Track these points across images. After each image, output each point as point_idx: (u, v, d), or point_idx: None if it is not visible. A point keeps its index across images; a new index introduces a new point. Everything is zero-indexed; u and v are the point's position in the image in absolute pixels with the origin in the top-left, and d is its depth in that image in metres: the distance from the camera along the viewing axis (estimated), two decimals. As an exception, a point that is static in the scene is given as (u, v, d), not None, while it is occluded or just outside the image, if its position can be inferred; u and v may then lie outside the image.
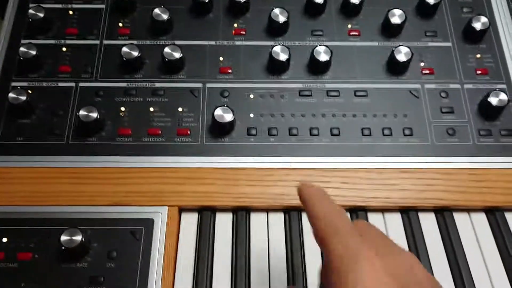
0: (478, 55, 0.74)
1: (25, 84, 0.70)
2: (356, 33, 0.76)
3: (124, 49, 0.70)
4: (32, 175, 0.64)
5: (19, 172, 0.64)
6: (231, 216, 0.65)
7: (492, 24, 0.76)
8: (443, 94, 0.71)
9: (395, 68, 0.72)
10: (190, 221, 0.64)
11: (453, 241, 0.62)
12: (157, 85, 0.71)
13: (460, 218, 0.65)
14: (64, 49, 0.73)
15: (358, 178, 0.66)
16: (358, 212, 0.65)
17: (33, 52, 0.69)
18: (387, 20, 0.74)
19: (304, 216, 0.65)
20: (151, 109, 0.69)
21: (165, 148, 0.67)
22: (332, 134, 0.68)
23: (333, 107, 0.70)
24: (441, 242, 0.63)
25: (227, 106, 0.67)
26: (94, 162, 0.65)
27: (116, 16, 0.75)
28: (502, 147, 0.68)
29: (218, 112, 0.66)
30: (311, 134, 0.68)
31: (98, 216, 0.62)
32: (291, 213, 0.65)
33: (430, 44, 0.75)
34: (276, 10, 0.73)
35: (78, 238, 0.57)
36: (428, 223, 0.64)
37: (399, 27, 0.74)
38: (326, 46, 0.71)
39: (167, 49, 0.70)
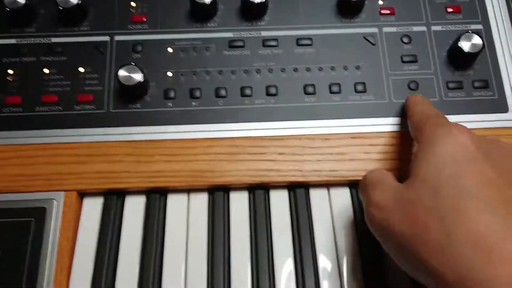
0: (450, -11, 0.61)
1: None
2: (301, -33, 0.61)
3: (8, -4, 0.56)
4: None
5: None
6: (144, 199, 0.53)
7: (468, -51, 0.62)
8: (405, 39, 0.58)
9: (347, 9, 0.59)
10: (92, 208, 0.53)
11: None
12: (54, 40, 0.58)
13: (421, 192, 0.53)
14: None
15: (299, 147, 0.54)
16: (296, 189, 0.53)
17: None
18: None
19: (232, 197, 0.53)
20: (46, 70, 0.56)
21: (62, 119, 0.55)
22: (268, 94, 0.56)
23: (270, 60, 0.57)
24: (397, 222, 0.52)
25: (134, 64, 0.54)
26: (-27, 140, 0.53)
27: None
28: (474, 102, 0.56)
29: (122, 72, 0.53)
30: (242, 95, 0.56)
31: (-23, 207, 0.50)
32: (216, 194, 0.53)
33: (391, -23, 0.61)
34: None
35: None
36: (383, 199, 0.53)
37: (352, -44, 0.60)
38: (259, -16, 0.57)
39: (61, -5, 0.56)
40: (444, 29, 0.59)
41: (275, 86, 0.56)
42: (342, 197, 0.53)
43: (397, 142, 0.54)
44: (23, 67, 0.56)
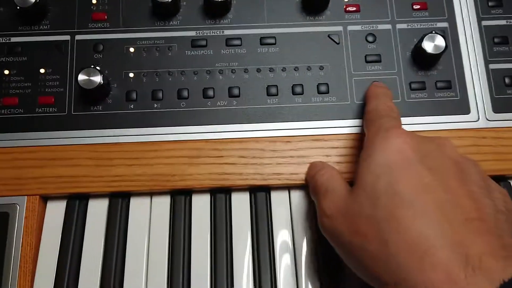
0: (417, -15, 0.59)
1: None
2: (266, -39, 0.60)
3: (-36, -5, 0.55)
4: None
5: None
6: (107, 203, 0.54)
7: None
8: (369, 38, 0.58)
9: (312, 6, 0.58)
10: (56, 212, 0.53)
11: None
12: (13, 40, 0.57)
13: (380, 194, 0.54)
14: None
15: (259, 150, 0.54)
16: (257, 192, 0.54)
17: None
18: None
19: (195, 199, 0.54)
20: (6, 71, 0.56)
21: (23, 122, 0.55)
22: (230, 96, 0.56)
23: (233, 60, 0.57)
24: (355, 224, 0.53)
25: (94, 66, 0.53)
26: None
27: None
28: (437, 103, 0.56)
29: (82, 76, 0.53)
30: (204, 97, 0.56)
31: None
32: (177, 197, 0.54)
33: (358, -28, 0.60)
34: None
35: None
36: (342, 201, 0.54)
37: (319, -49, 0.59)
38: (222, -19, 0.56)
39: (17, -6, 0.55)
40: (409, 27, 0.58)
41: (238, 87, 0.56)
42: (302, 201, 0.54)
43: (358, 144, 0.54)
44: (-18, 68, 0.56)
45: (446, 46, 0.54)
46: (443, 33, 0.57)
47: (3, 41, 0.57)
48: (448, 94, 0.56)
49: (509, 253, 0.35)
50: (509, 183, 0.55)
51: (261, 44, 0.57)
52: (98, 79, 0.53)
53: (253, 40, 0.58)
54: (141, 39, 0.57)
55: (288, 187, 0.55)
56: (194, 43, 0.57)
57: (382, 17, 0.59)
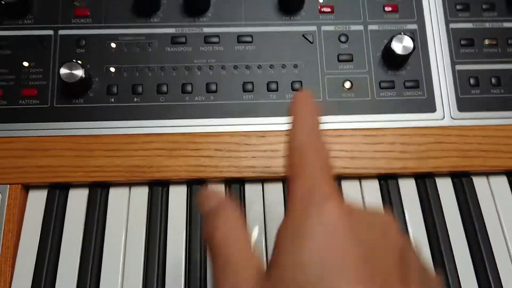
0: (389, -12, 0.62)
1: None
2: (245, -39, 0.62)
3: (-51, -11, 0.56)
4: None
5: None
6: (87, 192, 0.56)
7: None
8: (342, 38, 0.60)
9: (288, 6, 0.61)
10: (37, 201, 0.55)
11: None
12: (-2, 33, 0.59)
13: (348, 187, 0.57)
14: None
15: (235, 144, 0.57)
16: (232, 184, 0.56)
17: None
18: None
19: (172, 190, 0.56)
20: (-10, 64, 0.58)
21: (7, 114, 0.56)
22: (208, 91, 0.58)
23: (211, 57, 0.59)
24: (324, 216, 0.55)
25: (76, 60, 0.55)
26: None
27: None
28: (404, 102, 0.59)
29: (64, 70, 0.55)
30: (183, 92, 0.58)
31: None
32: (154, 188, 0.56)
33: (333, -26, 0.62)
34: None
35: None
36: (313, 194, 0.56)
37: (295, -47, 0.61)
38: (202, -20, 0.58)
39: (2, -11, 0.57)
40: (380, 28, 0.61)
41: (215, 83, 0.58)
42: (275, 193, 0.56)
43: (328, 140, 0.57)
44: (-33, 60, 0.58)
45: (414, 47, 0.57)
46: (412, 34, 0.60)
47: (-12, 34, 0.58)
48: (416, 93, 0.59)
49: None
50: (471, 179, 0.58)
51: (238, 42, 0.60)
52: (80, 73, 0.55)
53: (231, 38, 0.60)
54: (123, 35, 0.59)
55: (262, 180, 0.57)
56: (174, 39, 0.59)
57: (354, 18, 0.61)
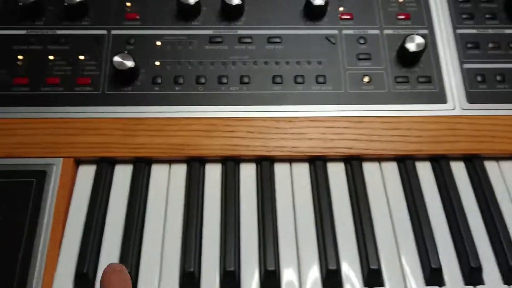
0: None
1: None
2: (274, -23, 0.71)
3: (21, -7, 0.66)
4: None
5: None
6: (131, 168, 0.62)
7: (418, -34, 0.72)
8: (361, 40, 0.68)
9: (311, 13, 0.69)
10: (87, 173, 0.61)
11: (358, 191, 0.60)
12: (59, 32, 0.67)
13: (369, 167, 0.62)
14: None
15: (265, 127, 0.63)
16: (262, 162, 0.62)
17: None
18: (304, -39, 0.70)
19: (207, 167, 0.62)
20: (51, 57, 0.65)
21: (63, 98, 0.64)
22: (241, 83, 0.65)
23: (244, 54, 0.67)
24: (348, 192, 0.60)
25: (128, 52, 0.63)
26: (-15, 113, 0.62)
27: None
28: (418, 94, 0.65)
29: (117, 58, 0.63)
30: (219, 83, 0.65)
31: (-13, 168, 0.59)
32: (192, 163, 0.62)
33: (351, -13, 0.71)
34: (186, -49, 0.68)
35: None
36: (336, 172, 0.62)
37: (318, -31, 0.70)
38: (236, -11, 0.67)
39: (66, -7, 0.66)
40: (394, 32, 0.69)
41: (248, 76, 0.65)
42: (302, 171, 0.62)
43: (348, 125, 0.63)
44: (31, 53, 0.66)
45: (426, 45, 0.64)
46: (423, 37, 0.67)
47: (50, 33, 0.67)
48: (428, 87, 0.66)
49: None
50: (483, 162, 0.63)
51: (269, 42, 0.68)
52: (130, 63, 0.63)
53: (262, 38, 0.68)
54: (167, 35, 0.68)
55: (290, 160, 0.62)
56: (212, 39, 0.67)
57: (371, 24, 0.69)
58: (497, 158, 0.63)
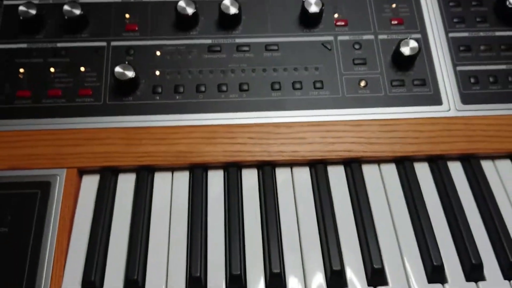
0: (394, 5, 0.72)
1: None
2: (270, -14, 0.73)
3: (21, 8, 0.67)
4: None
5: None
6: (135, 176, 0.62)
7: (410, -27, 0.74)
8: (356, 46, 0.70)
9: (307, 21, 0.70)
10: (90, 183, 0.62)
11: (359, 193, 0.61)
12: (59, 45, 0.68)
13: (368, 169, 0.63)
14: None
15: (266, 133, 0.64)
16: (264, 167, 0.63)
17: None
18: (299, -32, 0.71)
19: (210, 173, 0.63)
20: (52, 69, 0.66)
21: (65, 110, 0.64)
22: (240, 90, 0.66)
23: (243, 62, 0.68)
24: (349, 194, 0.62)
25: (128, 63, 0.64)
26: (-11, 126, 0.63)
27: (16, -25, 0.72)
28: (414, 97, 0.67)
29: (118, 69, 0.63)
30: (219, 91, 0.66)
31: (-7, 180, 0.59)
32: (195, 170, 0.62)
33: (345, -5, 0.73)
34: (183, -37, 0.70)
35: (-36, 202, 0.55)
36: (337, 175, 0.63)
37: (313, -23, 0.72)
38: (233, -1, 0.68)
39: (66, 7, 0.67)
40: (389, 37, 0.70)
41: (247, 83, 0.67)
42: (303, 175, 0.63)
43: (346, 128, 0.64)
44: (32, 66, 0.66)
45: (420, 48, 0.66)
46: (417, 42, 0.69)
47: (51, 46, 0.68)
48: (423, 89, 0.67)
49: None
50: (479, 161, 0.64)
51: (266, 50, 0.69)
52: (130, 73, 0.64)
53: (260, 46, 0.69)
54: (166, 45, 0.69)
55: (291, 164, 0.63)
56: (210, 48, 0.69)
57: (366, 29, 0.71)
58: (493, 157, 0.65)
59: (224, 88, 0.66)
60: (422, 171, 0.64)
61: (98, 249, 0.57)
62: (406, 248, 0.57)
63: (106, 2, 0.71)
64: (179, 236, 0.58)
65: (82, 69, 0.67)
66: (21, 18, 0.67)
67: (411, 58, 0.67)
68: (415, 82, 0.67)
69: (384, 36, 0.70)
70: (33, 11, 0.67)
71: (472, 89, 0.67)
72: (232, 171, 0.63)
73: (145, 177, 0.62)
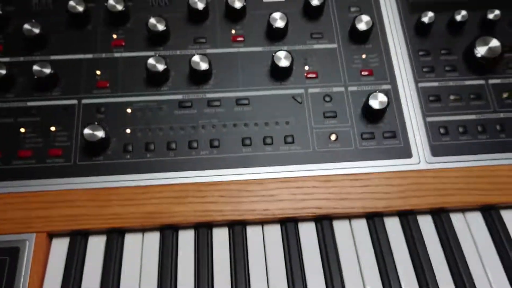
0: (364, 56, 0.73)
1: None
2: (241, 39, 0.73)
3: (-9, 68, 0.67)
4: None
5: None
6: (105, 238, 0.62)
7: (380, 23, 0.75)
8: (326, 98, 0.70)
9: (278, 74, 0.71)
10: (60, 247, 0.61)
11: (328, 251, 0.61)
12: (30, 104, 0.68)
13: (339, 226, 0.63)
14: None
15: (237, 191, 0.64)
16: (235, 226, 0.63)
17: None
18: (269, 24, 0.72)
19: (180, 233, 0.63)
20: (22, 130, 0.66)
21: (35, 171, 0.64)
22: (211, 146, 0.66)
23: (214, 118, 0.68)
24: (319, 252, 0.62)
25: (97, 123, 0.64)
26: (-43, 191, 0.62)
27: (-13, 33, 0.72)
28: (384, 150, 0.67)
29: (87, 131, 0.63)
30: (189, 147, 0.66)
31: (-42, 248, 0.59)
32: (165, 231, 0.62)
33: (316, 46, 0.73)
34: (153, 20, 0.70)
35: None
36: (307, 233, 0.63)
37: (283, 30, 0.72)
38: (204, 54, 0.69)
39: (36, 67, 0.67)
40: (359, 89, 0.71)
41: (218, 140, 0.67)
42: (274, 234, 0.63)
43: (317, 184, 0.64)
44: (2, 127, 0.66)
45: (389, 102, 0.66)
46: (386, 93, 0.69)
47: (21, 105, 0.68)
48: (393, 142, 0.68)
49: None
50: (449, 215, 0.65)
51: (237, 104, 0.69)
52: (100, 133, 0.64)
53: (230, 101, 0.69)
54: (137, 102, 0.69)
55: (262, 222, 0.64)
56: (181, 104, 0.69)
57: (336, 81, 0.71)
58: (463, 209, 0.65)
59: (194, 144, 0.66)
60: (393, 226, 0.64)
61: (66, 317, 0.56)
62: (376, 308, 0.57)
63: (77, 59, 0.71)
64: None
65: (53, 128, 0.67)
66: (-10, 79, 0.67)
67: (381, 111, 0.67)
68: (385, 135, 0.68)
69: (354, 88, 0.71)
70: (3, 71, 0.67)
71: (441, 140, 0.68)
72: (203, 232, 0.63)
73: (114, 240, 0.62)
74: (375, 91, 0.67)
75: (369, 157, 0.67)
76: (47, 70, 0.67)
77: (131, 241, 0.62)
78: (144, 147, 0.66)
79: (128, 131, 0.67)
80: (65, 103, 0.68)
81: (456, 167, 0.66)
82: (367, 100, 0.67)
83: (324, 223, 0.63)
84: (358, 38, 0.73)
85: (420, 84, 0.71)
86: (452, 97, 0.71)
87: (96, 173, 0.64)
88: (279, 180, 0.65)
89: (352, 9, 0.76)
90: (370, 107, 0.67)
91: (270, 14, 0.72)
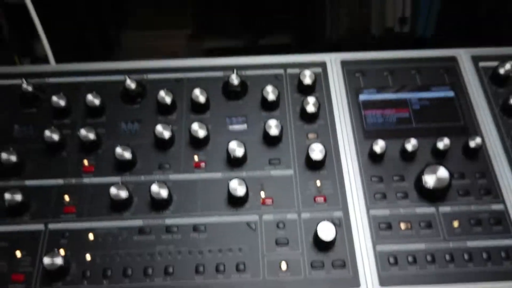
0: (319, 182, 0.76)
1: None
2: (203, 165, 0.78)
3: (-34, 196, 0.72)
4: None
5: None
6: None
7: (335, 149, 0.79)
8: (280, 225, 0.73)
9: (235, 201, 0.74)
10: None
11: None
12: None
13: None
14: None
15: (185, 320, 0.66)
16: None
17: None
18: (228, 151, 0.77)
19: None
20: (-12, 255, 0.71)
21: (-4, 296, 0.68)
22: (165, 273, 0.69)
23: (170, 244, 0.72)
24: None
25: (59, 249, 0.68)
26: None
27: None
28: (333, 280, 0.69)
29: (46, 260, 0.67)
30: (145, 274, 0.69)
31: None
32: None
33: (273, 172, 0.77)
34: (119, 149, 0.76)
35: None
36: None
37: (242, 158, 0.77)
38: (164, 182, 0.73)
39: (7, 195, 0.72)
40: (311, 216, 0.74)
41: (172, 266, 0.70)
42: None
43: (267, 315, 0.66)
44: (-29, 254, 0.71)
45: (336, 232, 0.69)
46: (338, 221, 0.72)
47: (-9, 230, 0.73)
48: (343, 271, 0.69)
49: None
50: None
51: (193, 230, 0.73)
52: (59, 261, 0.67)
53: (188, 227, 0.73)
54: (100, 227, 0.73)
55: None
56: (141, 230, 0.73)
57: (290, 208, 0.74)
58: None
59: (150, 271, 0.69)
60: None
61: None
62: None
63: (48, 186, 0.76)
64: None
65: (19, 254, 0.71)
66: (-35, 206, 0.72)
67: (329, 243, 0.69)
68: (335, 263, 0.70)
69: (307, 215, 0.74)
70: (-23, 199, 0.72)
71: (390, 270, 0.69)
72: None
73: None
74: (324, 220, 0.70)
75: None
76: (18, 197, 0.72)
77: None
78: (101, 273, 0.69)
79: (88, 257, 0.71)
80: (33, 227, 0.73)
81: (403, 299, 0.67)
82: (316, 230, 0.70)
83: None
84: (313, 164, 0.77)
85: (372, 212, 0.74)
86: (402, 226, 0.73)
87: (53, 300, 0.67)
88: (228, 310, 0.67)
89: (310, 135, 0.81)
90: (318, 238, 0.69)
91: (229, 142, 0.77)
